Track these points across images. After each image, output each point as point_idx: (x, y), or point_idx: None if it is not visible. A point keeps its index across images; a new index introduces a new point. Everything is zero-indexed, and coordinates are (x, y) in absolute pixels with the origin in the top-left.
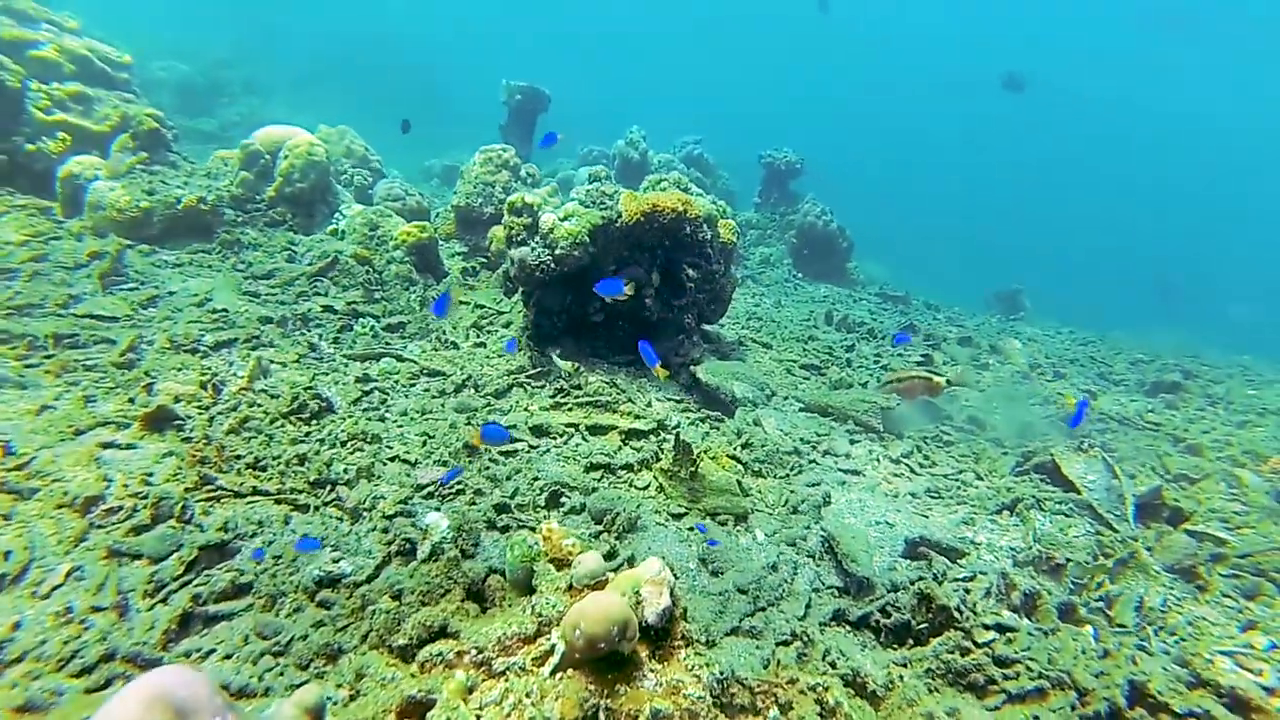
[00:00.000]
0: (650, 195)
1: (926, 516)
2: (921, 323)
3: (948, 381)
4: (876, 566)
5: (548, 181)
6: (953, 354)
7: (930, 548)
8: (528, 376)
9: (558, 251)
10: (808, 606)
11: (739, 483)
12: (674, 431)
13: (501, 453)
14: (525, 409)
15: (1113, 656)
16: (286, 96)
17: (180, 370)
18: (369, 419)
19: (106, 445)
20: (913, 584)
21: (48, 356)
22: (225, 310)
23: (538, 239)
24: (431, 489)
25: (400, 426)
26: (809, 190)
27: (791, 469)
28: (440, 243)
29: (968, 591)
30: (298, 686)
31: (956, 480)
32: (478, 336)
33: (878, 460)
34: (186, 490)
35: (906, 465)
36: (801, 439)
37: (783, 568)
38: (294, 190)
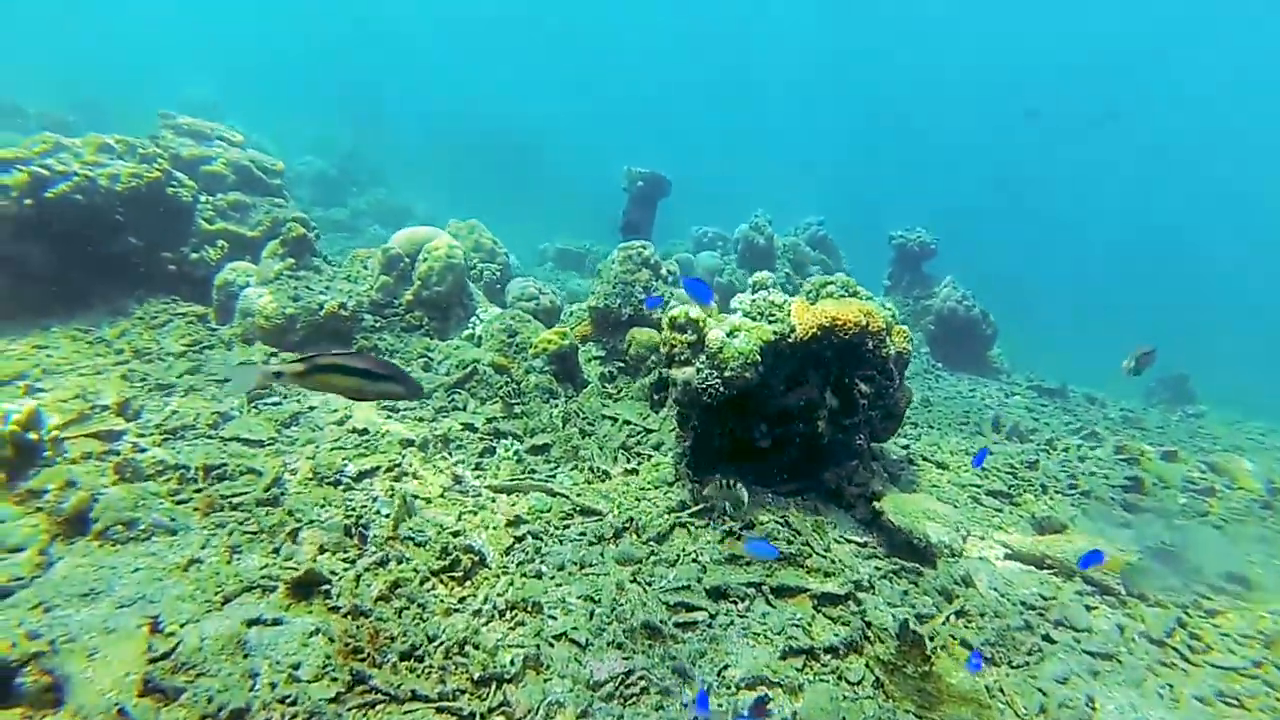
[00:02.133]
0: (827, 307)
1: None
2: (1089, 422)
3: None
4: None
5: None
6: (1160, 474)
7: None
8: (690, 514)
9: (727, 373)
10: None
11: (987, 688)
12: (901, 623)
13: (679, 624)
14: (695, 560)
15: None
16: (409, 182)
17: (323, 506)
18: (525, 575)
19: (252, 622)
20: None
21: (197, 491)
22: (365, 430)
23: (704, 358)
24: (611, 689)
25: (560, 585)
26: (945, 271)
27: (1029, 653)
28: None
29: None
30: None
31: (1254, 675)
32: (628, 460)
33: (1133, 640)
34: (338, 696)
35: (1173, 649)
36: (1024, 603)
37: None
38: (432, 294)
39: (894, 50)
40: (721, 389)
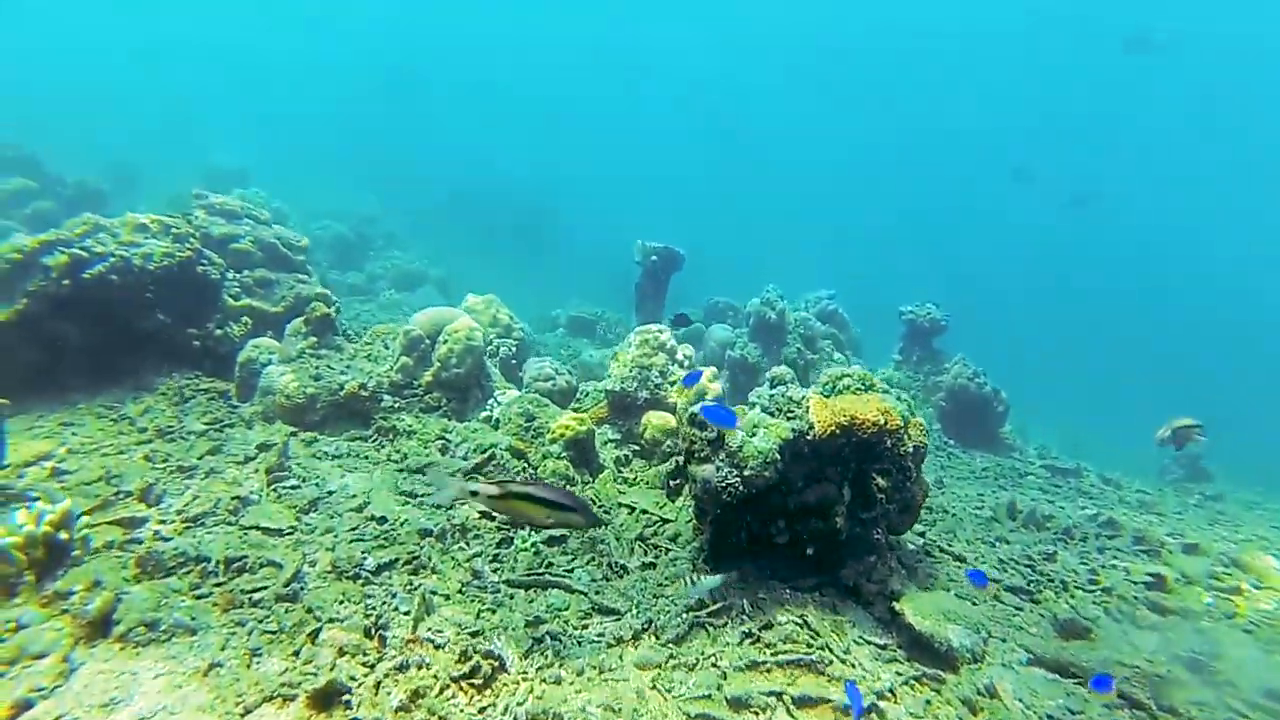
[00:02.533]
0: (845, 404)
1: None
2: (1104, 505)
3: None
4: None
5: (699, 359)
6: (1182, 568)
7: None
8: (708, 614)
9: (746, 472)
10: None
11: None
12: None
13: None
14: (714, 664)
15: None
16: (424, 246)
17: (342, 603)
18: (545, 681)
19: None
20: None
21: (217, 585)
22: (384, 518)
23: (723, 456)
24: None
25: (579, 691)
26: (955, 348)
27: None
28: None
29: None
30: None
31: None
32: (645, 553)
33: None
34: None
35: None
36: (1051, 717)
37: None
38: (451, 376)
39: (909, 121)
40: (741, 488)
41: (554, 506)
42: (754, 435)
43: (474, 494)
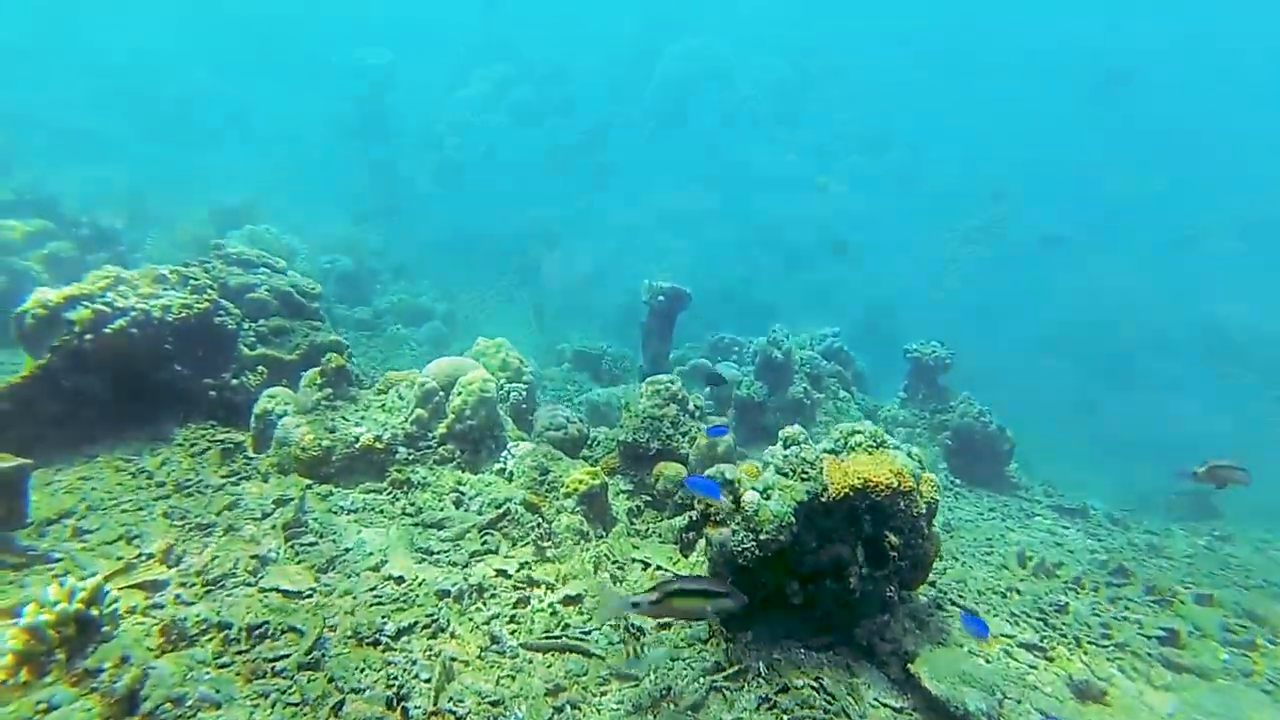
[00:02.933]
0: (859, 466)
1: None
2: (1115, 550)
3: None
4: None
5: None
6: (1196, 620)
7: None
8: (724, 677)
9: (762, 536)
10: None
11: None
12: None
13: None
14: None
15: None
16: (430, 278)
17: (363, 670)
18: None
19: None
20: None
21: (240, 653)
22: (402, 577)
23: (739, 520)
24: None
25: None
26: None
27: None
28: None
29: None
30: None
31: None
32: None
33: None
34: None
35: None
36: None
37: None
38: (464, 427)
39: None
40: (756, 551)
41: (710, 596)
42: (769, 498)
43: (635, 605)
